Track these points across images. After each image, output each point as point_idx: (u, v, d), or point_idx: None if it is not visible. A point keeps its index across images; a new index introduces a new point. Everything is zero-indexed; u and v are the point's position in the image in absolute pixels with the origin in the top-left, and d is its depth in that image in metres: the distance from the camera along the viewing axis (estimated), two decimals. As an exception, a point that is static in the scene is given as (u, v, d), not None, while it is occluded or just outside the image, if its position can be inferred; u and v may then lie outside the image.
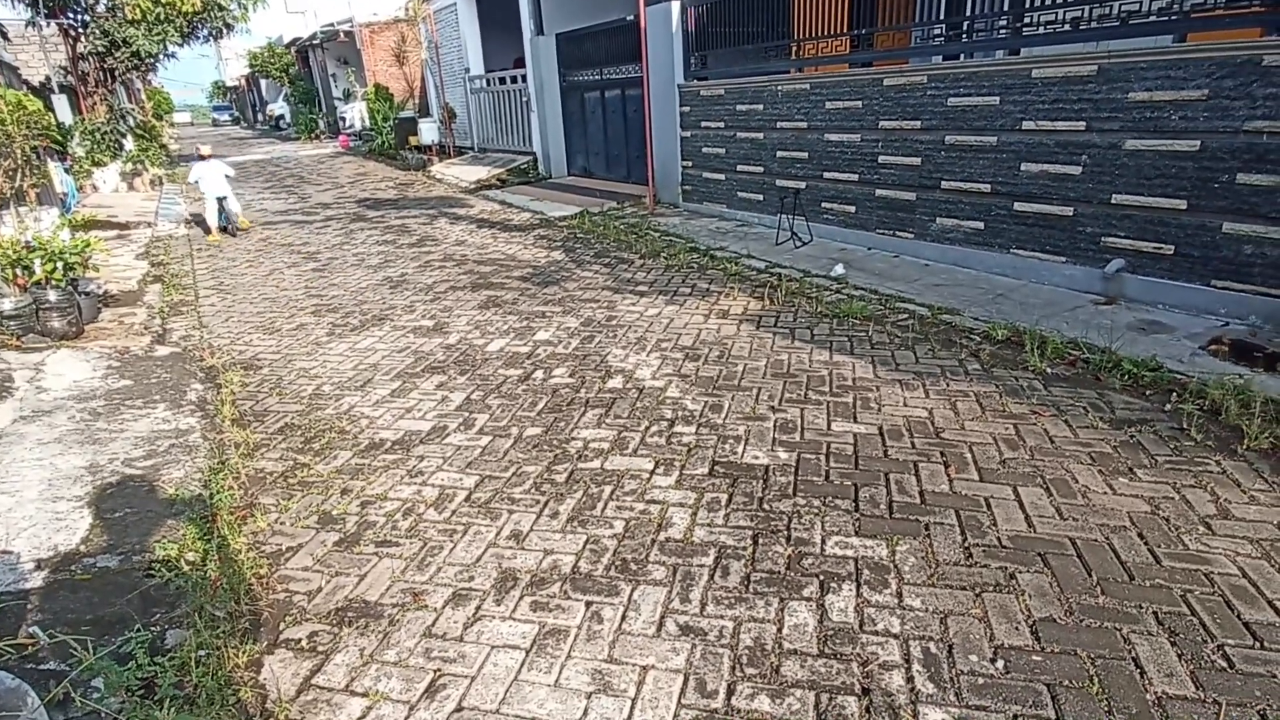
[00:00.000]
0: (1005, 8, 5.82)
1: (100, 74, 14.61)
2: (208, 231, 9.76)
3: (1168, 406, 3.62)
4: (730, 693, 2.08)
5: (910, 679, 2.10)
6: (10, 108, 7.03)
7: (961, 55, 6.21)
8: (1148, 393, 3.78)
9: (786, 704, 2.04)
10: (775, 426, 3.66)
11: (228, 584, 2.61)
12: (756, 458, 3.37)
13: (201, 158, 9.68)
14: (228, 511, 3.10)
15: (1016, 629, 2.26)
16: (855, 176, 6.98)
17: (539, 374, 4.51)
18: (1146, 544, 2.61)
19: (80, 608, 2.50)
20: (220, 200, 9.65)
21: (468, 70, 16.04)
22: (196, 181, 9.68)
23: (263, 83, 39.43)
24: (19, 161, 7.27)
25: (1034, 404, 3.74)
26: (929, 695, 2.04)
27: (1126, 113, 4.81)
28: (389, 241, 8.97)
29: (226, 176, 9.68)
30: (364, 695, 2.15)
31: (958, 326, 4.83)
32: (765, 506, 2.98)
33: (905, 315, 5.12)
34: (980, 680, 2.08)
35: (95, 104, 14.54)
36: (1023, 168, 5.49)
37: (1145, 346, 4.22)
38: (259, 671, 2.26)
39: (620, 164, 12.08)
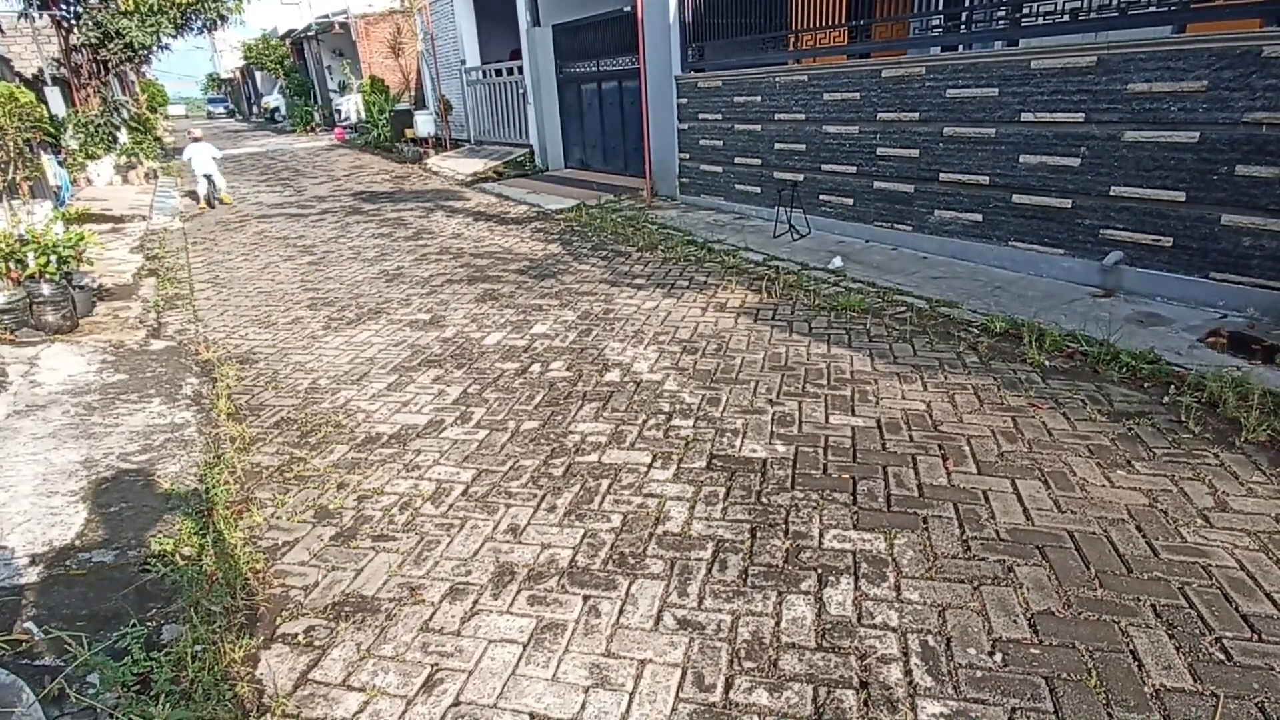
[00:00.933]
0: (1004, -2, 5.79)
1: (93, 66, 14.50)
2: (198, 202, 11.63)
3: (1166, 399, 3.62)
4: (728, 686, 2.08)
5: (908, 672, 2.10)
6: (2, 100, 6.96)
7: (960, 46, 6.18)
8: (1146, 385, 3.78)
9: (784, 698, 2.03)
10: (773, 420, 3.65)
11: (224, 579, 2.60)
12: (754, 451, 3.36)
13: (195, 140, 11.31)
14: (224, 506, 3.09)
15: (1014, 622, 2.26)
16: (853, 169, 6.96)
17: (536, 367, 4.49)
18: (1144, 537, 2.61)
19: (75, 603, 2.49)
20: (207, 176, 11.36)
21: (464, 62, 15.95)
22: (189, 160, 11.35)
23: (257, 75, 39.21)
24: (11, 154, 7.22)
25: (1032, 397, 3.73)
26: (927, 689, 2.04)
27: (1125, 104, 4.79)
28: (385, 235, 8.94)
29: (214, 158, 11.39)
30: (361, 690, 2.15)
31: (956, 319, 4.82)
32: (763, 500, 2.97)
33: (903, 308, 5.11)
34: (978, 673, 2.08)
35: (89, 96, 14.43)
36: (1021, 159, 5.48)
37: (1143, 339, 4.22)
38: (255, 666, 2.26)
39: (617, 157, 12.03)
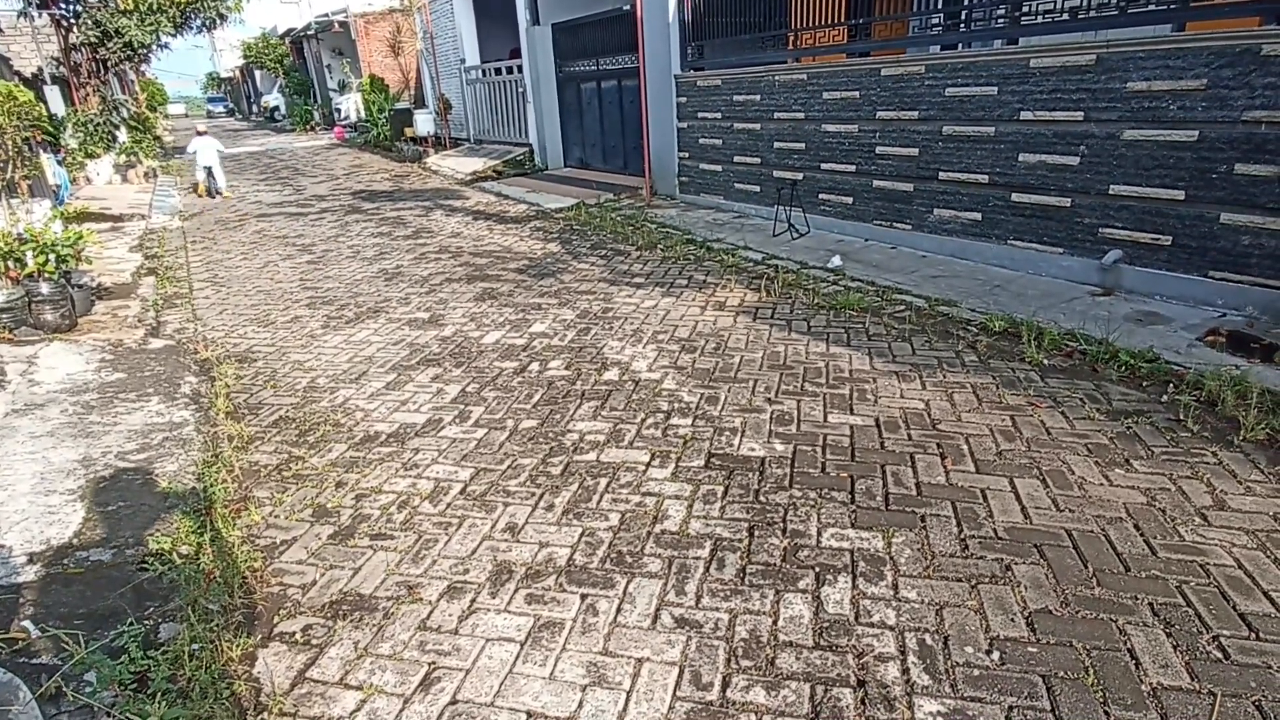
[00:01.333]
0: (1003, -3, 5.78)
1: (93, 65, 14.49)
2: (195, 190, 12.51)
3: (1164, 397, 3.62)
4: (725, 685, 2.08)
5: (906, 671, 2.10)
6: (1, 99, 6.96)
7: (959, 45, 6.17)
8: (1144, 384, 3.77)
9: (782, 696, 2.03)
10: (771, 418, 3.65)
11: (222, 577, 2.60)
12: (753, 450, 3.36)
13: (199, 133, 12.08)
14: (222, 505, 3.09)
15: (1012, 621, 2.25)
16: (853, 167, 6.95)
17: (535, 366, 4.49)
18: (1142, 535, 2.61)
19: (73, 602, 2.49)
20: (208, 169, 12.07)
21: (463, 61, 15.94)
22: (194, 153, 12.07)
23: (257, 74, 39.19)
24: (10, 153, 7.21)
25: (1030, 395, 3.73)
26: (924, 687, 2.04)
27: (1125, 103, 4.79)
28: (384, 234, 8.93)
29: (218, 151, 12.18)
30: (358, 688, 2.14)
31: (955, 318, 4.82)
32: (761, 498, 2.97)
33: (902, 307, 5.11)
34: (976, 672, 2.08)
35: (88, 95, 14.42)
36: (1020, 158, 5.47)
37: (1142, 337, 4.21)
38: (253, 665, 2.26)
39: (617, 155, 12.03)
